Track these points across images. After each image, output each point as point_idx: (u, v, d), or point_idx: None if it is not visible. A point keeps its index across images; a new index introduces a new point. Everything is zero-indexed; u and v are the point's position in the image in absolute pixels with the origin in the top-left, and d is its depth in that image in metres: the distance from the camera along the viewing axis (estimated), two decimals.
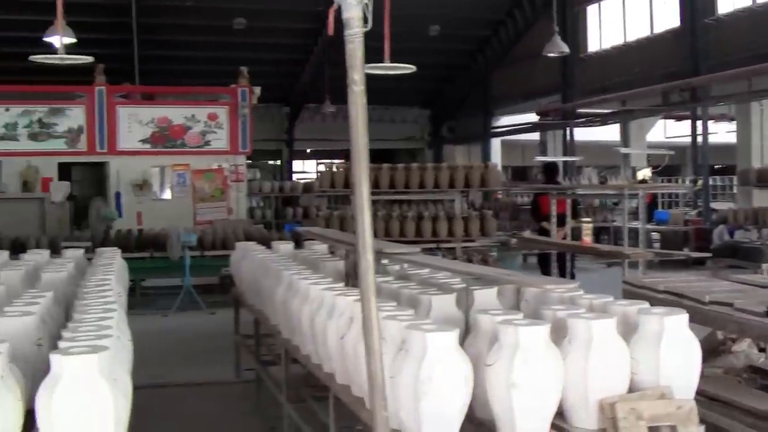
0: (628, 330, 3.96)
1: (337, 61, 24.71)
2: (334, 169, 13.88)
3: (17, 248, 12.15)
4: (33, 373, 3.63)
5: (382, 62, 10.81)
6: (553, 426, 3.73)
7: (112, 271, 6.05)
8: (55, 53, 12.30)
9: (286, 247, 8.18)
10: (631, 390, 3.80)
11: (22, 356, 3.59)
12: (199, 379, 9.37)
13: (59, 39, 13.99)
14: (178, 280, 14.75)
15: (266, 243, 9.72)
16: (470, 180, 12.88)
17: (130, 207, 18.40)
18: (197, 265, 14.47)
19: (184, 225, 15.30)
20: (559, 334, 3.84)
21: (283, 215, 22.26)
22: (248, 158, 19.71)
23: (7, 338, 3.42)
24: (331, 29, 3.08)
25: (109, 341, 3.35)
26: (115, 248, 8.16)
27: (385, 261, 6.49)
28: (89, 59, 13.00)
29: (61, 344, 3.29)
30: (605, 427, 3.69)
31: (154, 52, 23.49)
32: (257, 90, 19.27)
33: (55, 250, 9.34)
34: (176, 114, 18.98)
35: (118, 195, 18.43)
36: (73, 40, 15.23)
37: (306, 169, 38.10)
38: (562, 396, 3.71)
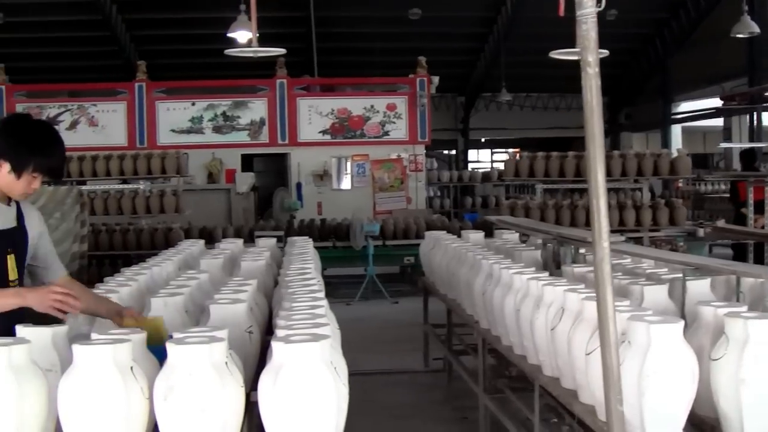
0: None
1: (513, 49, 24.63)
2: (518, 158, 13.65)
3: (205, 238, 12.49)
4: (244, 360, 3.64)
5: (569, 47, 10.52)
6: None
7: (309, 259, 6.07)
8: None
9: (477, 236, 8.07)
10: None
11: (234, 344, 3.60)
12: (388, 368, 9.37)
13: (244, 34, 14.38)
14: (359, 269, 14.86)
15: (449, 232, 9.65)
16: (659, 168, 12.45)
17: (311, 197, 18.72)
18: (379, 254, 14.53)
19: (364, 215, 15.37)
20: None
21: (462, 204, 22.16)
22: (425, 148, 19.69)
23: (220, 326, 3.44)
24: (561, 10, 2.93)
25: (327, 330, 3.31)
26: (306, 237, 8.23)
27: (582, 250, 6.30)
28: (281, 51, 13.25)
29: (279, 332, 3.27)
30: None
31: (331, 44, 23.76)
32: (435, 79, 19.25)
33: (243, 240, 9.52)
34: (355, 105, 19.17)
35: (299, 185, 18.76)
36: (257, 35, 15.53)
37: (480, 159, 37.91)
38: None
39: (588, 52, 2.87)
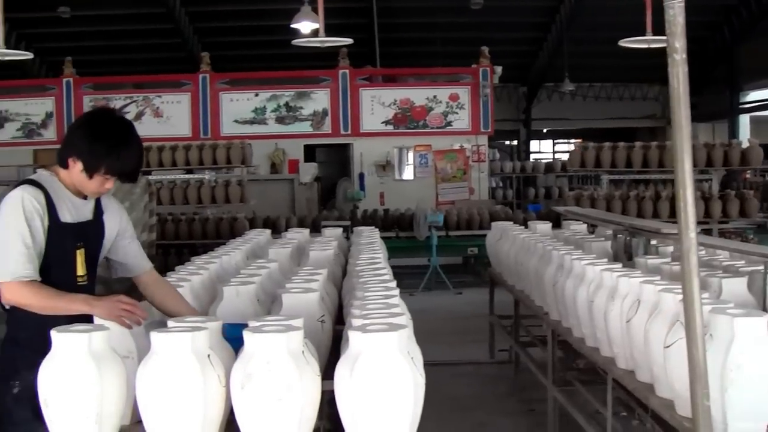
0: None
1: (576, 38, 24.35)
2: (584, 148, 13.50)
3: (269, 227, 12.54)
4: (317, 350, 3.62)
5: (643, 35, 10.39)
6: None
7: (378, 249, 6.06)
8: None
9: (544, 227, 7.97)
10: None
11: (306, 333, 3.58)
12: (452, 359, 9.32)
13: (308, 24, 14.40)
14: (422, 260, 14.82)
15: (513, 224, 9.56)
16: (729, 158, 12.23)
17: (373, 187, 18.71)
18: (443, 245, 14.48)
19: (426, 205, 15.31)
20: None
21: (525, 196, 22.00)
22: (488, 139, 19.59)
23: (293, 315, 3.42)
24: None
25: (403, 319, 3.28)
26: (373, 227, 8.20)
27: (653, 242, 6.20)
28: (348, 41, 13.25)
29: (355, 322, 3.24)
30: None
31: (394, 34, 23.68)
32: (498, 69, 19.09)
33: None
34: (418, 95, 19.12)
35: (361, 176, 18.77)
36: (323, 25, 15.56)
37: (542, 150, 37.58)
38: None
39: (675, 38, 2.79)
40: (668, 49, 2.83)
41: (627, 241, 6.17)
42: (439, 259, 14.53)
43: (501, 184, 23.50)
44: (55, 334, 3.00)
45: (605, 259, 5.49)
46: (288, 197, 17.00)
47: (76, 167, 3.64)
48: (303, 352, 2.98)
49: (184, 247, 12.90)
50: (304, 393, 2.89)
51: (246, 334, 2.95)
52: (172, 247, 13.06)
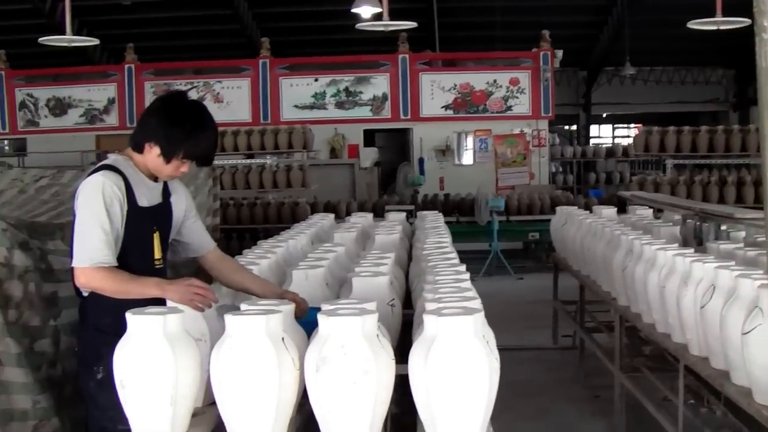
0: None
1: (637, 22, 24.00)
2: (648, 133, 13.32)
3: (330, 212, 12.56)
4: (387, 333, 3.60)
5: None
6: None
7: (444, 233, 6.02)
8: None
9: (609, 211, 7.88)
10: None
11: (378, 317, 3.57)
12: (515, 345, 9.25)
13: (368, 9, 14.34)
14: (483, 245, 14.74)
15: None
16: None
17: (433, 172, 18.66)
18: (503, 230, 14.41)
19: (487, 190, 15.23)
20: None
21: (585, 181, 21.77)
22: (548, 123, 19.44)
23: (364, 299, 3.40)
24: None
25: (476, 303, 3.25)
26: (436, 212, 8.16)
27: (724, 227, 6.09)
28: (411, 24, 13.21)
29: (429, 306, 3.21)
30: None
31: (453, 19, 23.52)
32: (559, 53, 18.92)
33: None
34: (478, 80, 19.03)
35: (421, 161, 18.72)
36: (379, 10, 15.54)
37: (601, 134, 37.15)
38: None
39: (764, 17, 2.72)
40: (756, 28, 2.77)
41: (697, 226, 6.06)
42: (499, 244, 14.45)
43: (561, 169, 23.28)
44: (130, 317, 3.01)
45: (676, 244, 5.40)
46: (348, 182, 17.02)
47: (153, 152, 3.65)
48: (378, 335, 2.95)
49: (245, 232, 12.99)
50: (379, 377, 2.86)
51: (321, 318, 2.93)
52: (234, 232, 13.15)
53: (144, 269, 3.62)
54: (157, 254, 3.80)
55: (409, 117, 18.90)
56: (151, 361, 2.95)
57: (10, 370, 4.07)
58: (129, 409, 3.01)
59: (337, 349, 2.85)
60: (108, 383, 3.40)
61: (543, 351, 9.12)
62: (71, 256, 3.59)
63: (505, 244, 15.08)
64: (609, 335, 7.06)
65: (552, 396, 7.67)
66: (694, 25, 10.57)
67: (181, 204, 3.94)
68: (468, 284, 3.77)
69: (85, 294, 3.64)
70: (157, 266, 3.78)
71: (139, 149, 3.69)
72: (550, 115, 18.91)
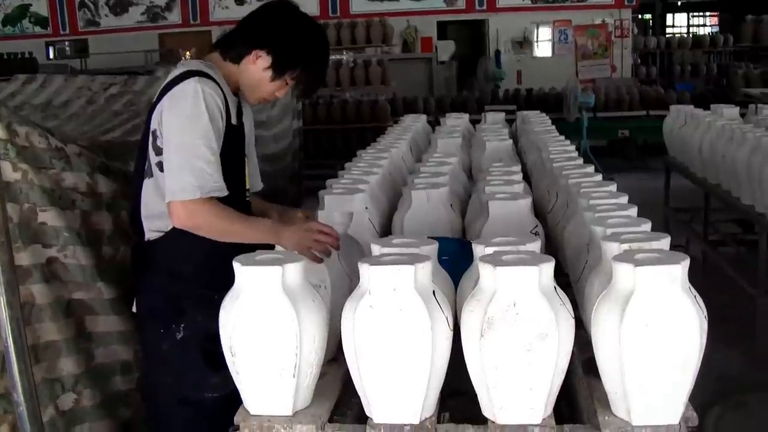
0: None
1: None
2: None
3: (407, 108, 11.88)
4: None
5: None
6: None
7: (560, 137, 5.40)
8: None
9: (731, 111, 7.06)
10: None
11: None
12: None
13: None
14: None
15: (664, 106, 8.73)
16: None
17: (510, 65, 17.89)
18: (591, 127, 13.58)
19: (573, 84, 14.35)
20: None
21: (670, 73, 20.60)
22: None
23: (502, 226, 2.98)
24: None
25: (665, 242, 2.59)
26: (539, 111, 7.48)
27: None
28: None
29: (607, 247, 2.56)
30: None
31: None
32: None
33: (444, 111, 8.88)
34: None
35: (498, 54, 17.87)
36: None
37: (675, 24, 35.58)
38: None
39: None
40: None
41: None
42: (587, 142, 13.67)
43: (639, 61, 22.12)
44: (241, 267, 2.38)
45: None
46: (424, 77, 16.21)
47: (260, 63, 2.97)
48: (555, 287, 2.31)
49: (322, 134, 12.31)
50: (559, 340, 2.23)
51: (483, 267, 2.28)
52: (310, 133, 12.40)
53: (236, 202, 2.92)
54: (247, 184, 3.17)
55: (485, 8, 18.03)
56: (268, 323, 2.34)
57: (104, 320, 3.43)
58: (241, 380, 2.42)
59: (509, 308, 2.22)
60: (191, 343, 2.85)
61: None
62: (139, 184, 2.94)
63: (591, 142, 14.27)
64: (735, 249, 6.37)
65: None
66: None
67: (251, 127, 3.24)
68: (634, 211, 3.11)
69: (157, 234, 2.95)
70: (247, 198, 3.16)
71: (239, 58, 2.98)
72: (633, 3, 17.86)
